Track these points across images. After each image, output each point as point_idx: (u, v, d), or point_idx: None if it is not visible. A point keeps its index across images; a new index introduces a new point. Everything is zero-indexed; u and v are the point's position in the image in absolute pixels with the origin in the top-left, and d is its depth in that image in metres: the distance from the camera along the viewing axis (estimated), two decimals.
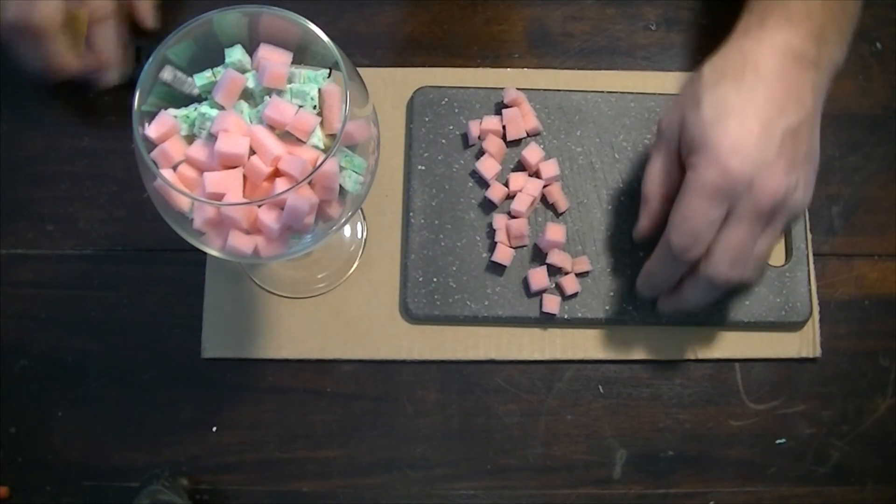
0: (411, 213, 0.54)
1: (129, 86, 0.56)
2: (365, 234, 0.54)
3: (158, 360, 0.53)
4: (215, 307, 0.53)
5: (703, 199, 0.44)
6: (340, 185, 0.40)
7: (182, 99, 0.40)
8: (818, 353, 0.53)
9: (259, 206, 0.37)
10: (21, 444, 0.51)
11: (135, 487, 0.50)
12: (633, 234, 0.51)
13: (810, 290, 0.53)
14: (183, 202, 0.38)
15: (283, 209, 0.38)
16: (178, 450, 0.51)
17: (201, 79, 0.39)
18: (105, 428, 0.52)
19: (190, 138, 0.39)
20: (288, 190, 0.36)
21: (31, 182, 0.55)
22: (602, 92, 0.56)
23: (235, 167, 0.38)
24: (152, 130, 0.38)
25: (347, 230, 0.55)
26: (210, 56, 0.40)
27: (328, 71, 0.40)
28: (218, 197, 0.37)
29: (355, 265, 0.53)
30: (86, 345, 0.53)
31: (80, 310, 0.53)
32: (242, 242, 0.38)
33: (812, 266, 0.54)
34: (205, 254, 0.53)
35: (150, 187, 0.39)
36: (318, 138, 0.39)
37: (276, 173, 0.38)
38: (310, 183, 0.37)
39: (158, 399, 0.52)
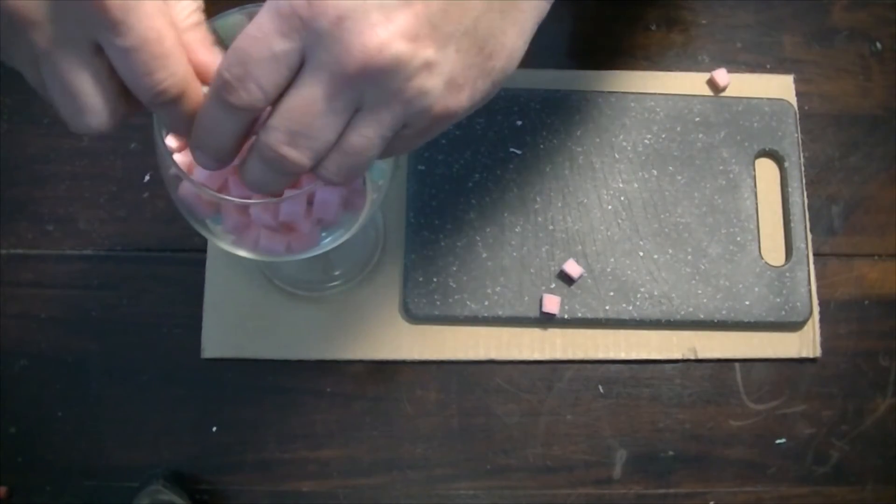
0: (411, 213, 0.54)
1: None
2: (382, 231, 0.54)
3: (158, 360, 0.53)
4: (215, 307, 0.53)
5: (269, 22, 0.29)
6: (365, 176, 0.40)
7: None
8: (818, 353, 0.53)
9: (287, 202, 0.37)
10: (21, 444, 0.51)
11: (135, 487, 0.50)
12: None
13: (810, 290, 0.53)
14: (209, 208, 0.38)
15: (311, 204, 0.38)
16: (178, 450, 0.51)
17: None
18: (105, 428, 0.52)
19: None
20: (317, 184, 0.37)
21: (31, 182, 0.55)
22: (602, 92, 0.56)
23: None
24: (172, 140, 0.38)
25: (364, 228, 0.55)
26: None
27: None
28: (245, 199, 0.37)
29: (373, 262, 0.54)
30: (86, 345, 0.53)
31: (80, 310, 0.53)
32: (275, 241, 0.38)
33: (812, 266, 0.54)
34: (205, 254, 0.53)
35: (176, 196, 0.39)
36: None
37: None
38: None
39: (158, 399, 0.52)
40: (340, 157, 0.31)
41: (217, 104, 0.30)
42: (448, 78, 0.30)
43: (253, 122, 0.31)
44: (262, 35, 0.28)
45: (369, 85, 0.29)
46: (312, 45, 0.28)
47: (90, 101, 0.30)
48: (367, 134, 0.30)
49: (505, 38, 0.31)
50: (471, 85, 0.31)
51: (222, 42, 0.40)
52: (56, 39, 0.29)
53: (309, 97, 0.29)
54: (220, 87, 0.29)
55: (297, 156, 0.30)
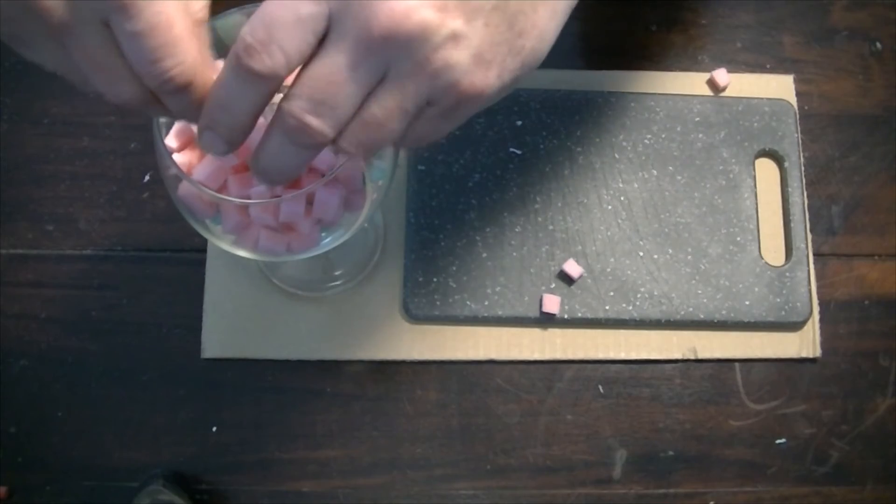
0: (411, 213, 0.54)
1: None
2: (382, 231, 0.54)
3: (158, 360, 0.53)
4: (215, 307, 0.53)
5: None
6: (364, 175, 0.40)
7: None
8: (818, 353, 0.53)
9: (287, 202, 0.37)
10: (21, 444, 0.51)
11: (135, 487, 0.50)
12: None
13: (810, 290, 0.53)
14: (209, 208, 0.38)
15: (311, 204, 0.38)
16: (178, 450, 0.52)
17: None
18: (105, 428, 0.52)
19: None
20: (318, 184, 0.37)
21: (31, 182, 0.55)
22: (602, 92, 0.56)
23: None
24: (172, 140, 0.38)
25: (364, 228, 0.55)
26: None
27: None
28: (245, 199, 0.37)
29: (373, 262, 0.54)
30: (86, 345, 0.53)
31: (80, 310, 0.53)
32: (275, 241, 0.38)
33: (812, 266, 0.54)
34: (205, 254, 0.53)
35: (176, 196, 0.39)
36: None
37: None
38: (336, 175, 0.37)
39: (158, 399, 0.52)
40: (360, 129, 0.29)
41: (235, 73, 0.29)
42: (476, 52, 0.29)
43: (268, 98, 0.30)
44: (284, 5, 0.28)
45: (394, 52, 0.28)
46: (339, 10, 0.28)
47: (117, 73, 0.30)
48: (388, 105, 0.29)
49: (536, 17, 0.30)
50: (499, 63, 0.30)
51: (223, 42, 0.40)
52: (69, 19, 0.29)
53: (333, 64, 0.28)
54: (242, 52, 0.28)
55: (320, 125, 0.29)
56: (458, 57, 0.29)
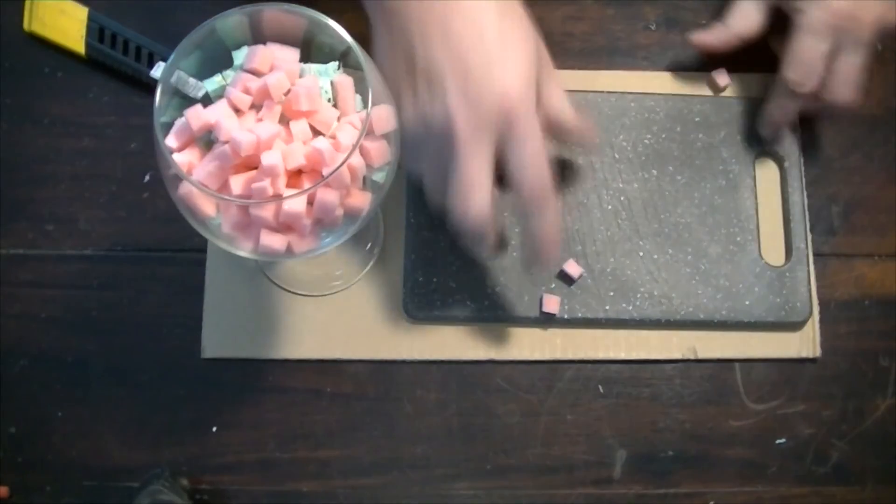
0: (411, 213, 0.54)
1: (129, 85, 0.56)
2: (381, 231, 0.54)
3: (158, 360, 0.53)
4: (215, 307, 0.53)
5: (813, 38, 0.50)
6: (365, 176, 0.40)
7: (192, 103, 0.40)
8: (818, 353, 0.53)
9: (287, 202, 0.37)
10: (21, 444, 0.51)
11: (135, 487, 0.50)
12: (693, 37, 0.55)
13: (810, 290, 0.53)
14: (209, 208, 0.39)
15: (311, 204, 0.38)
16: (178, 450, 0.51)
17: (212, 84, 0.39)
18: (105, 428, 0.52)
19: (208, 145, 0.39)
20: (318, 184, 0.37)
21: (31, 182, 0.55)
22: (602, 92, 0.56)
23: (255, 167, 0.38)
24: (172, 140, 0.38)
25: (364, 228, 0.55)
26: (217, 60, 0.40)
27: (337, 63, 0.41)
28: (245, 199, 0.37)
29: (372, 262, 0.54)
30: (86, 345, 0.53)
31: (80, 310, 0.53)
32: (275, 241, 0.38)
33: (812, 266, 0.54)
34: (205, 253, 0.53)
35: (176, 196, 0.39)
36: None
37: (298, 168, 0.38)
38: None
39: (158, 399, 0.52)
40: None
41: (787, 95, 0.53)
42: (891, 8, 0.52)
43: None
44: (814, 46, 0.51)
45: (872, 37, 0.51)
46: (841, 36, 0.51)
47: (482, 192, 0.42)
48: (865, 60, 0.52)
49: None
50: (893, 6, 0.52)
51: (223, 42, 0.40)
52: (473, 139, 0.41)
53: (853, 62, 0.51)
54: (795, 85, 0.52)
55: (853, 96, 0.52)
56: (891, 17, 0.51)
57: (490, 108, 0.41)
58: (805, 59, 0.51)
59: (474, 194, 0.42)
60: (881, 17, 0.51)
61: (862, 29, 0.51)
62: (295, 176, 0.39)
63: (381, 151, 0.40)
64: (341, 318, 0.53)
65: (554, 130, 0.46)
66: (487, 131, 0.41)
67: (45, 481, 0.51)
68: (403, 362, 0.53)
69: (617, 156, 0.55)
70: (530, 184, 0.42)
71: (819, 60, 0.51)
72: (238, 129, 0.38)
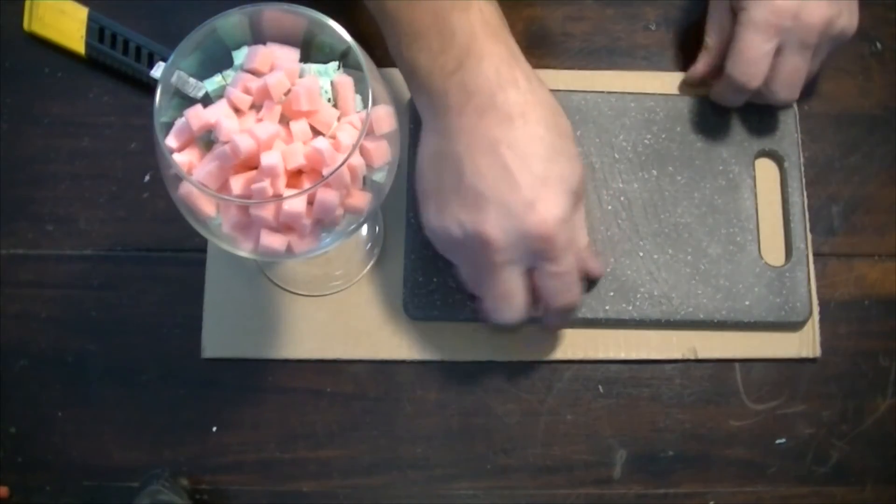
0: (411, 214, 0.54)
1: (129, 85, 0.56)
2: (381, 231, 0.54)
3: (158, 360, 0.53)
4: (215, 307, 0.53)
5: (755, 35, 0.50)
6: (365, 176, 0.40)
7: (192, 103, 0.40)
8: (818, 353, 0.53)
9: (287, 202, 0.37)
10: (21, 444, 0.51)
11: (135, 487, 0.50)
12: (688, 75, 0.56)
13: (810, 290, 0.53)
14: (209, 208, 0.39)
15: (311, 204, 0.38)
16: (178, 450, 0.51)
17: (212, 84, 0.39)
18: (105, 428, 0.52)
19: (208, 145, 0.39)
20: (318, 184, 0.37)
21: (31, 182, 0.55)
22: (602, 92, 0.56)
23: (255, 167, 0.38)
24: (172, 140, 0.38)
25: (363, 228, 0.55)
26: (217, 60, 0.40)
27: (337, 63, 0.41)
28: (246, 198, 0.37)
29: (372, 262, 0.54)
30: (86, 345, 0.53)
31: (80, 310, 0.53)
32: (275, 241, 0.39)
33: (812, 266, 0.54)
34: (205, 253, 0.53)
35: (176, 196, 0.39)
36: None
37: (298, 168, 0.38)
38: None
39: (158, 399, 0.52)
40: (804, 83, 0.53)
41: (733, 91, 0.53)
42: (848, 13, 0.52)
43: None
44: (757, 45, 0.50)
45: (820, 40, 0.51)
46: (785, 35, 0.50)
47: (517, 302, 0.45)
48: (818, 64, 0.53)
49: None
50: (855, 10, 0.52)
51: (223, 42, 0.40)
52: (508, 259, 0.44)
53: (793, 63, 0.51)
54: (739, 84, 0.52)
55: (794, 96, 0.54)
56: (842, 22, 0.51)
57: (529, 241, 0.43)
58: (748, 57, 0.50)
59: (510, 304, 0.46)
60: (828, 20, 0.50)
61: (806, 30, 0.50)
62: (295, 176, 0.39)
63: (381, 151, 0.40)
64: (341, 318, 0.53)
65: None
66: (524, 255, 0.44)
67: (45, 481, 0.51)
68: (403, 362, 0.53)
69: (617, 156, 0.55)
70: (561, 306, 0.46)
71: (762, 59, 0.50)
72: (238, 131, 0.38)
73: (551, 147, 0.44)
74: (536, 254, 0.44)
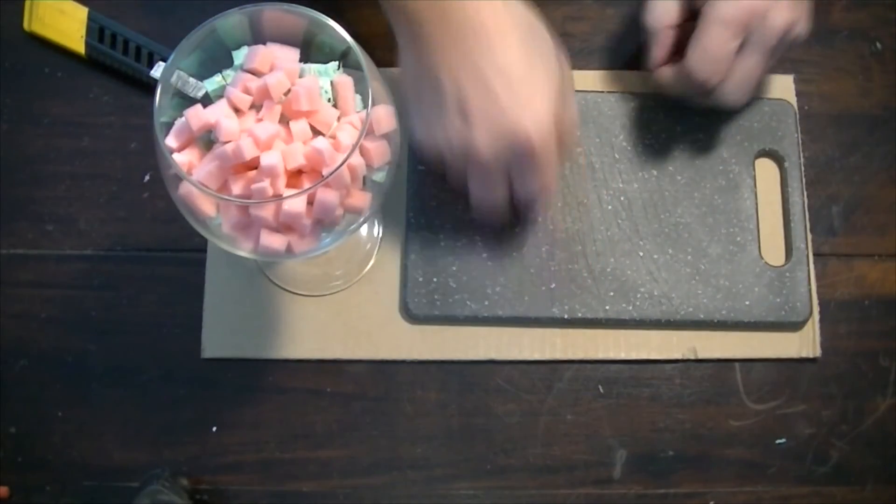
0: (411, 213, 0.54)
1: (129, 85, 0.56)
2: (381, 231, 0.54)
3: (158, 360, 0.53)
4: (215, 307, 0.53)
5: (723, 31, 0.48)
6: (365, 176, 0.40)
7: (192, 103, 0.40)
8: (818, 353, 0.53)
9: (287, 202, 0.37)
10: (21, 444, 0.51)
11: (135, 487, 0.50)
12: (650, 65, 0.53)
13: (810, 290, 0.53)
14: (209, 208, 0.39)
15: (311, 204, 0.38)
16: (178, 450, 0.51)
17: (212, 84, 0.39)
18: (105, 428, 0.52)
19: (208, 145, 0.39)
20: (318, 184, 0.37)
21: (31, 182, 0.55)
22: (602, 92, 0.56)
23: (255, 167, 0.38)
24: (172, 140, 0.38)
25: (363, 228, 0.55)
26: (217, 60, 0.40)
27: (337, 63, 0.41)
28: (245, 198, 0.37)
29: (372, 262, 0.54)
30: (86, 345, 0.53)
31: (80, 310, 0.53)
32: (275, 241, 0.39)
33: (812, 266, 0.54)
34: (205, 253, 0.53)
35: (176, 196, 0.39)
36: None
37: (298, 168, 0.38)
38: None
39: (158, 399, 0.52)
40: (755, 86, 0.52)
41: (690, 87, 0.51)
42: (804, 20, 0.50)
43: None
44: (723, 42, 0.49)
45: (779, 43, 0.49)
46: (750, 34, 0.49)
47: (500, 197, 0.47)
48: (769, 67, 0.51)
49: None
50: (810, 19, 0.51)
51: (222, 42, 0.40)
52: (494, 166, 0.45)
53: (754, 63, 0.49)
54: (700, 81, 0.50)
55: (745, 98, 0.52)
56: (799, 29, 0.50)
57: (514, 146, 0.44)
58: (712, 54, 0.49)
59: (495, 199, 0.47)
60: (790, 24, 0.49)
61: (770, 32, 0.48)
62: (295, 176, 0.39)
63: (381, 151, 0.40)
64: (341, 318, 0.53)
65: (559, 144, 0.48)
66: (508, 159, 0.45)
67: (45, 481, 0.51)
68: (403, 362, 0.53)
69: (617, 156, 0.55)
70: (537, 209, 0.49)
71: (726, 57, 0.49)
72: (239, 132, 0.38)
73: (528, 46, 0.44)
74: (520, 158, 0.45)
